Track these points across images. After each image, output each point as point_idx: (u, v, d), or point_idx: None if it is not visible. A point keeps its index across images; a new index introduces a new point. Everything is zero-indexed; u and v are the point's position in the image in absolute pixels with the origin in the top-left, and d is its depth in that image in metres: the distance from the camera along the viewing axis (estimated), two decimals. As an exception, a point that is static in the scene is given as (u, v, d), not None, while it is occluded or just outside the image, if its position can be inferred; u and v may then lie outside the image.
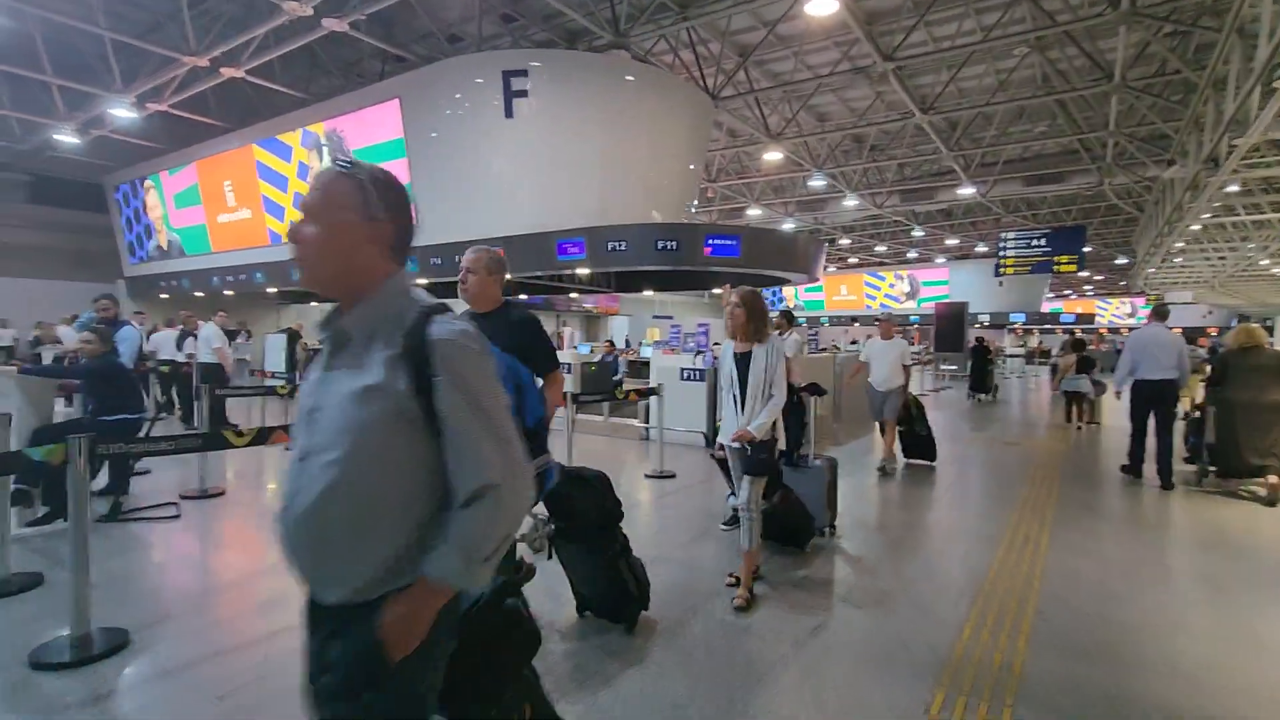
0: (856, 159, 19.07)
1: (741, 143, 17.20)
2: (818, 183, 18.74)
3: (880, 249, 32.58)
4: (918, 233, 27.79)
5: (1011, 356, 31.31)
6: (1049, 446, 9.00)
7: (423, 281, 12.69)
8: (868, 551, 4.66)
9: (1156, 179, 15.30)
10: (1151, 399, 6.48)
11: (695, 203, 13.22)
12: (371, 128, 11.99)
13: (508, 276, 3.16)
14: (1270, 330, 28.75)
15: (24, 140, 16.20)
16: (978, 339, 17.11)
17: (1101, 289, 46.96)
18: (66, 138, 14.74)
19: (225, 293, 16.63)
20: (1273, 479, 5.82)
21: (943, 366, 22.79)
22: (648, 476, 6.50)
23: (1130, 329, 35.78)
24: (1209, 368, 6.85)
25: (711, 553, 4.46)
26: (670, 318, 40.75)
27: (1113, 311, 47.18)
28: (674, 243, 9.27)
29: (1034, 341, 39.02)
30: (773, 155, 15.94)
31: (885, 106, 16.33)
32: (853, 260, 38.11)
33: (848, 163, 18.77)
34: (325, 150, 12.98)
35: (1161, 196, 12.98)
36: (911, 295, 38.73)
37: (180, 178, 16.38)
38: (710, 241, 9.27)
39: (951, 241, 30.20)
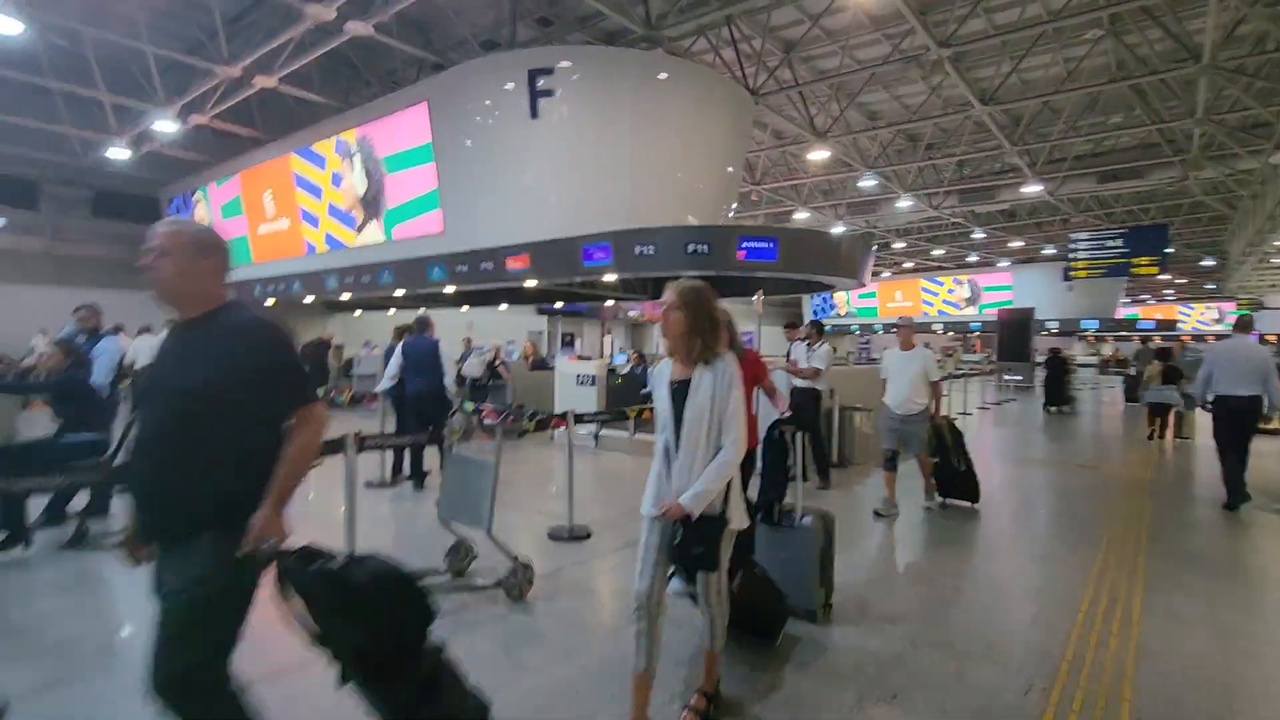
0: (911, 158, 18.01)
1: (786, 142, 16.41)
2: (868, 183, 17.76)
3: (937, 253, 30.99)
4: (978, 235, 26.25)
5: (1083, 366, 29.28)
6: (1131, 470, 7.94)
7: (449, 290, 12.42)
8: (870, 644, 3.26)
9: (1255, 170, 13.78)
10: (1231, 416, 6.03)
11: (735, 205, 12.52)
12: (400, 133, 11.77)
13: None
14: None
15: (84, 156, 16.76)
16: (1053, 349, 16.48)
17: (1184, 293, 43.70)
18: (120, 152, 15.13)
19: (267, 302, 16.79)
20: None
21: (1006, 377, 21.30)
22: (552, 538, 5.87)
23: (1217, 337, 33.06)
24: None
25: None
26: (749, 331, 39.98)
27: (1197, 318, 43.88)
28: (705, 246, 8.63)
29: (1108, 349, 36.53)
30: (819, 154, 15.09)
31: (942, 102, 15.30)
32: (909, 265, 36.48)
33: (901, 162, 17.72)
34: (357, 159, 12.85)
35: (1261, 190, 11.57)
36: (972, 301, 36.80)
37: (226, 189, 16.66)
38: (745, 244, 8.59)
39: (1015, 244, 28.47)
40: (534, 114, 9.93)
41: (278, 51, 10.43)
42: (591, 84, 9.96)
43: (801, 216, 22.64)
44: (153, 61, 11.95)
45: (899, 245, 29.80)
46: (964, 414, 13.50)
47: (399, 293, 13.26)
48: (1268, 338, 33.05)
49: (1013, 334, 21.65)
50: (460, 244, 11.27)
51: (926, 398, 5.82)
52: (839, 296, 43.09)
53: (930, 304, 38.98)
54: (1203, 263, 29.96)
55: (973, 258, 32.74)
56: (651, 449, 2.55)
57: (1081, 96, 14.90)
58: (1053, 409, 15.12)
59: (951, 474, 5.98)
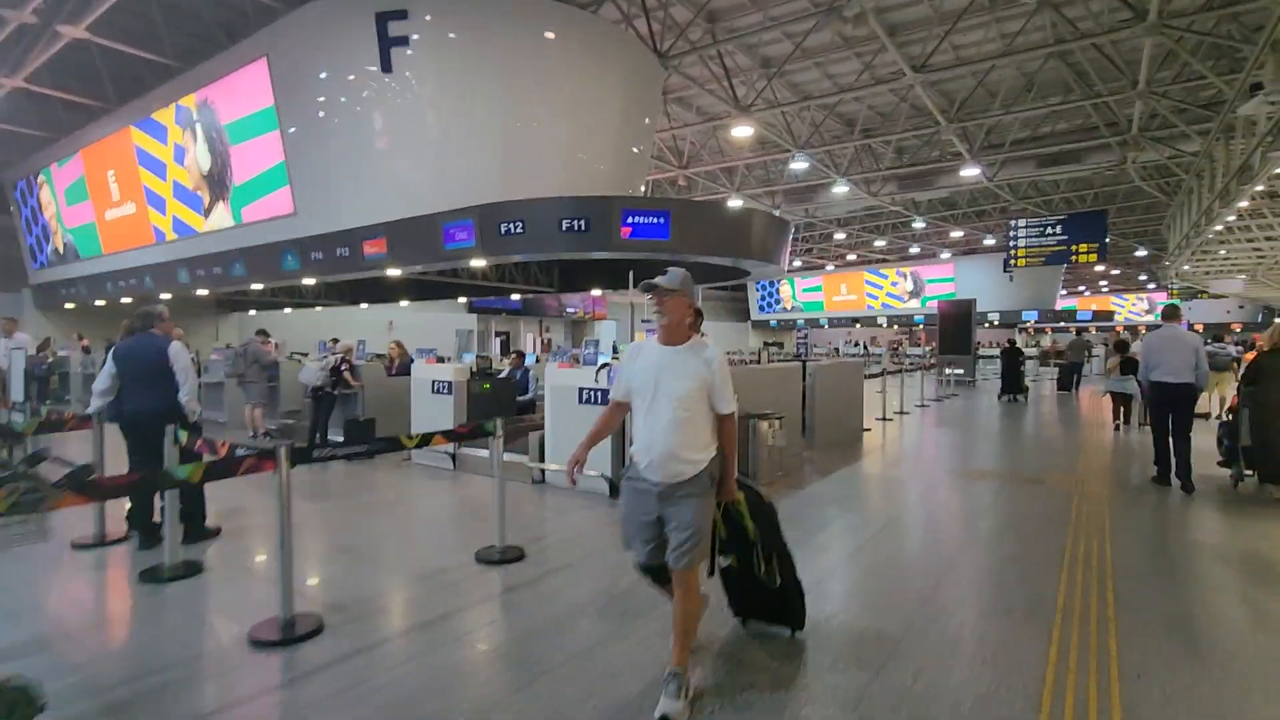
0: (846, 142, 16.89)
1: (707, 119, 15.01)
2: (800, 165, 16.55)
3: (880, 243, 30.26)
4: (919, 224, 25.52)
5: (1027, 358, 28.92)
6: (1085, 482, 6.76)
7: (309, 281, 10.61)
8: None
9: (1198, 153, 13.00)
10: (1167, 402, 6.29)
11: (643, 190, 11.04)
12: (240, 96, 9.92)
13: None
14: None
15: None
16: (1009, 341, 17.23)
17: (1118, 284, 44.42)
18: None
19: (123, 300, 14.59)
20: None
21: (949, 371, 20.46)
22: (480, 561, 4.31)
23: (1149, 327, 33.34)
24: (1238, 366, 6.84)
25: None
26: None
27: (1129, 308, 44.69)
28: (583, 222, 7.11)
29: (1047, 341, 36.62)
30: (743, 130, 13.74)
31: (874, 81, 14.19)
32: (851, 257, 35.79)
33: (834, 142, 16.55)
34: (199, 129, 10.90)
35: (1209, 166, 10.67)
36: (915, 294, 36.42)
37: (69, 170, 14.38)
38: (630, 219, 7.11)
39: (956, 234, 27.87)
40: (386, 67, 8.25)
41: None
42: (456, 32, 8.33)
43: (735, 204, 21.36)
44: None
45: (840, 236, 28.90)
46: (901, 413, 12.36)
47: (256, 285, 11.35)
48: (1196, 327, 33.52)
49: (954, 326, 20.82)
50: (314, 226, 9.50)
51: (709, 445, 2.71)
52: (784, 290, 42.33)
53: (875, 297, 38.49)
54: (1137, 253, 30.00)
55: (915, 249, 32.16)
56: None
57: (1018, 77, 14.00)
58: (1007, 398, 15.55)
59: (758, 586, 3.17)
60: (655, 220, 7.15)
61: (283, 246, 9.91)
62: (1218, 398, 11.05)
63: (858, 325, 41.50)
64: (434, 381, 7.46)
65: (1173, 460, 6.30)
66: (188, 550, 4.37)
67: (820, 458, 8.00)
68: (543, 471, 6.53)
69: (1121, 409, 10.76)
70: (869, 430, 10.25)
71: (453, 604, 3.66)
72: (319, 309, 19.63)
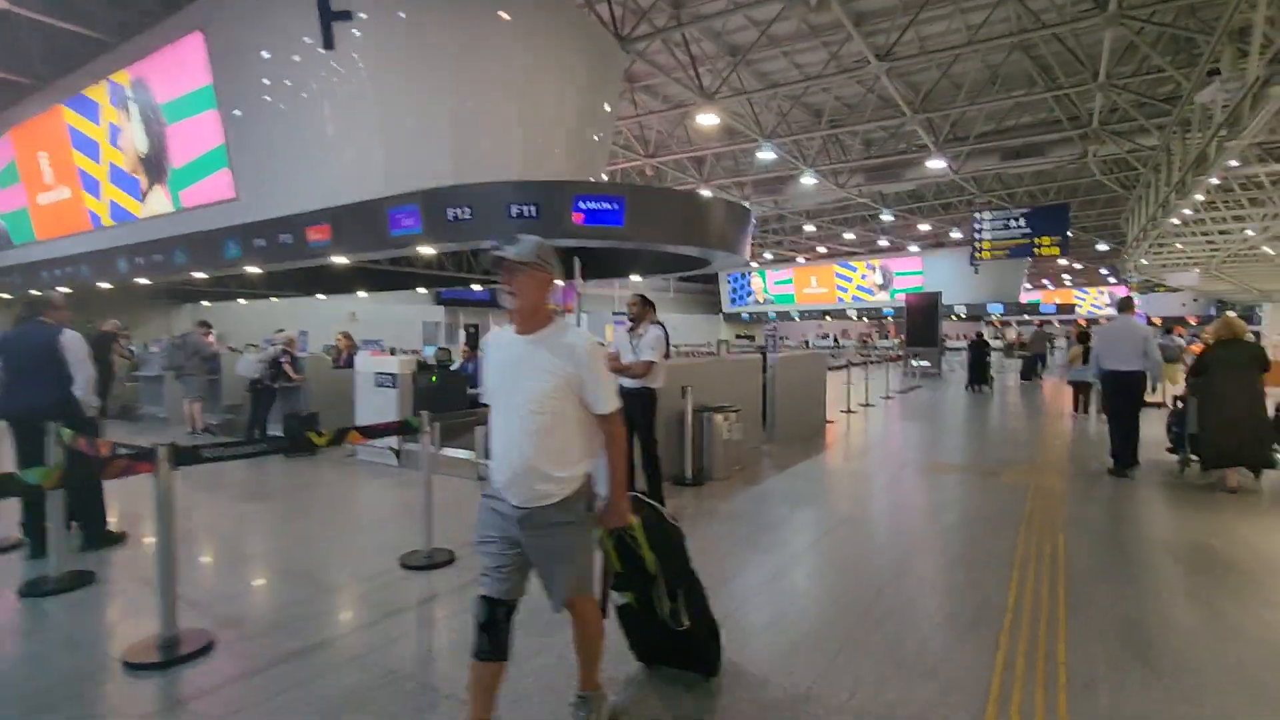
0: (815, 129, 16.77)
1: (672, 106, 14.74)
2: (767, 155, 16.36)
3: (849, 236, 30.33)
4: (887, 216, 25.56)
5: (993, 350, 29.29)
6: (1041, 475, 6.69)
7: (253, 270, 10.15)
8: None
9: (1155, 147, 13.10)
10: (1118, 390, 6.56)
11: (604, 178, 10.74)
12: (176, 73, 9.39)
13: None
14: (1249, 319, 26.93)
15: None
16: (977, 334, 17.66)
17: (1080, 278, 45.33)
18: None
19: (58, 289, 13.86)
20: (1233, 478, 5.85)
21: (914, 363, 20.57)
22: (405, 567, 4.04)
23: (1110, 319, 34.03)
24: (1187, 358, 6.98)
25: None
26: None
27: (1091, 301, 45.64)
28: (533, 207, 6.82)
29: (1011, 334, 37.21)
30: (708, 118, 13.52)
31: (840, 70, 14.07)
32: (822, 250, 35.88)
33: (802, 132, 16.41)
34: (134, 108, 10.32)
35: (1165, 160, 10.73)
36: (885, 286, 36.66)
37: (-1, 151, 13.59)
38: (582, 204, 6.83)
39: (924, 227, 28.06)
40: (328, 43, 7.83)
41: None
42: (405, 10, 7.93)
43: (703, 195, 21.14)
44: None
45: (810, 228, 28.90)
46: (866, 405, 12.30)
47: (200, 275, 10.82)
48: (1154, 320, 34.30)
49: (921, 319, 20.93)
50: (256, 211, 9.04)
51: (581, 458, 2.22)
52: (755, 283, 42.34)
53: (845, 290, 38.67)
54: (1098, 247, 30.55)
55: (884, 242, 32.31)
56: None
57: (982, 69, 13.99)
58: (975, 388, 16.03)
59: (662, 627, 2.65)
60: (609, 206, 6.88)
61: (224, 233, 9.43)
62: (1169, 387, 11.30)
63: (828, 318, 41.72)
64: (377, 374, 7.12)
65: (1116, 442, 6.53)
66: (85, 559, 4.02)
67: (780, 451, 7.83)
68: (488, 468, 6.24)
69: (1080, 397, 11.23)
70: (832, 423, 10.15)
71: (364, 617, 3.39)
72: (274, 300, 18.98)
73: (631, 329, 5.17)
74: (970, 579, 3.84)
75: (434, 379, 7.37)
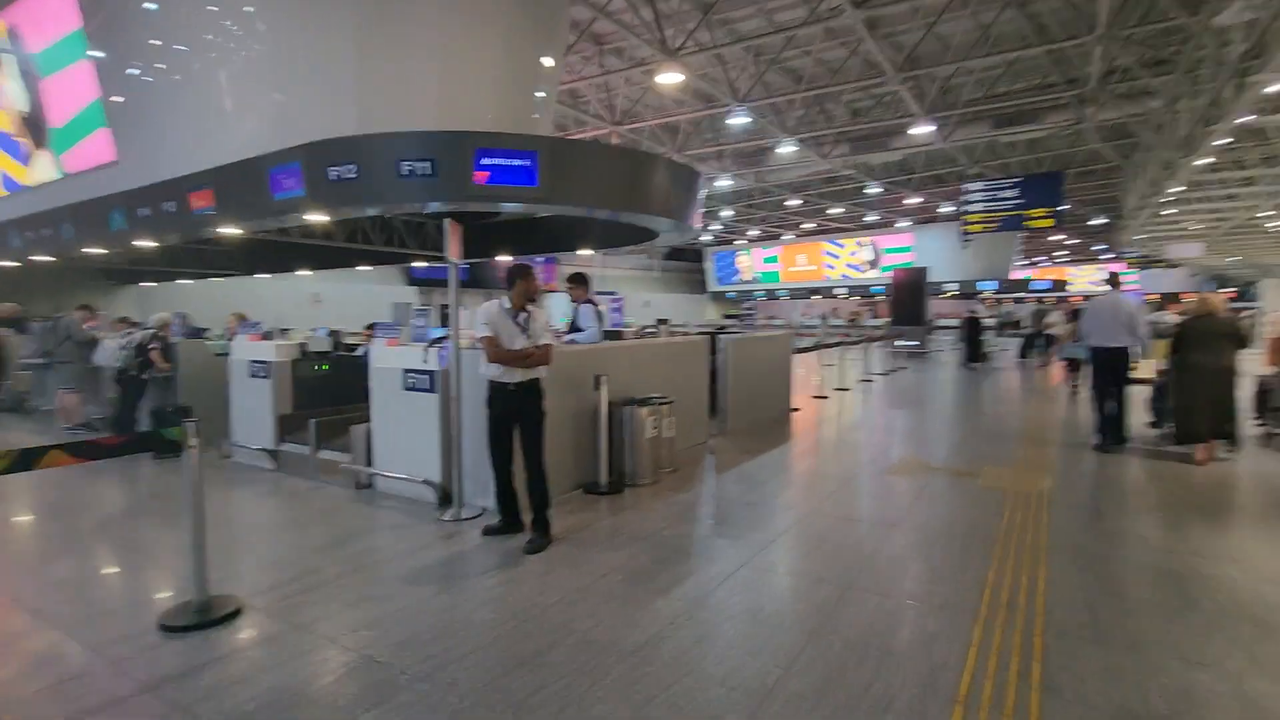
0: (792, 92, 15.60)
1: (630, 64, 13.54)
2: (741, 120, 15.19)
3: (836, 211, 29.16)
4: (873, 189, 24.42)
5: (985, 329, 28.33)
6: (1027, 473, 5.74)
7: (151, 244, 9.04)
8: None
9: (1156, 109, 12.01)
10: (1105, 366, 6.60)
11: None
12: (47, 18, 8.19)
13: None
14: (1243, 294, 25.96)
15: None
16: (971, 311, 17.65)
17: (1075, 254, 44.31)
18: None
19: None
20: (1200, 452, 5.97)
21: (899, 343, 19.58)
22: (165, 628, 3.04)
23: (1096, 295, 33.09)
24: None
25: None
26: (613, 293, 37.21)
27: (1086, 278, 44.72)
28: (427, 164, 5.72)
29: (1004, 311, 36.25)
30: (670, 77, 12.34)
31: (814, 20, 12.91)
32: (809, 225, 34.69)
33: (779, 94, 15.22)
34: (11, 61, 9.13)
35: (1170, 119, 9.67)
36: (874, 263, 35.61)
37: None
38: (486, 161, 5.73)
39: (913, 201, 26.90)
40: (202, -27, 6.67)
41: None
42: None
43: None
44: None
45: (795, 202, 27.71)
46: (841, 390, 11.32)
47: (93, 251, 9.69)
48: (1151, 297, 33.40)
49: (907, 296, 19.92)
50: (139, 176, 7.92)
51: None
52: (742, 261, 41.17)
53: (833, 267, 37.62)
54: (1093, 221, 29.48)
55: (872, 217, 31.16)
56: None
57: (972, 29, 12.85)
58: (970, 366, 15.98)
59: None
60: (518, 162, 5.80)
61: (107, 202, 8.29)
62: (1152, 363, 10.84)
63: (817, 296, 40.67)
64: (251, 363, 6.08)
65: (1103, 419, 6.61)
66: None
67: (729, 447, 6.85)
68: (370, 476, 5.23)
69: (1072, 374, 11.28)
70: (798, 410, 9.18)
71: (66, 709, 2.39)
72: (222, 280, 17.81)
73: (511, 306, 4.14)
74: (920, 637, 2.86)
75: (323, 367, 6.34)
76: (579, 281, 5.98)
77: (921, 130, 16.03)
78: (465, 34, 7.68)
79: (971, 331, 16.53)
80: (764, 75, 14.39)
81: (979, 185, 18.36)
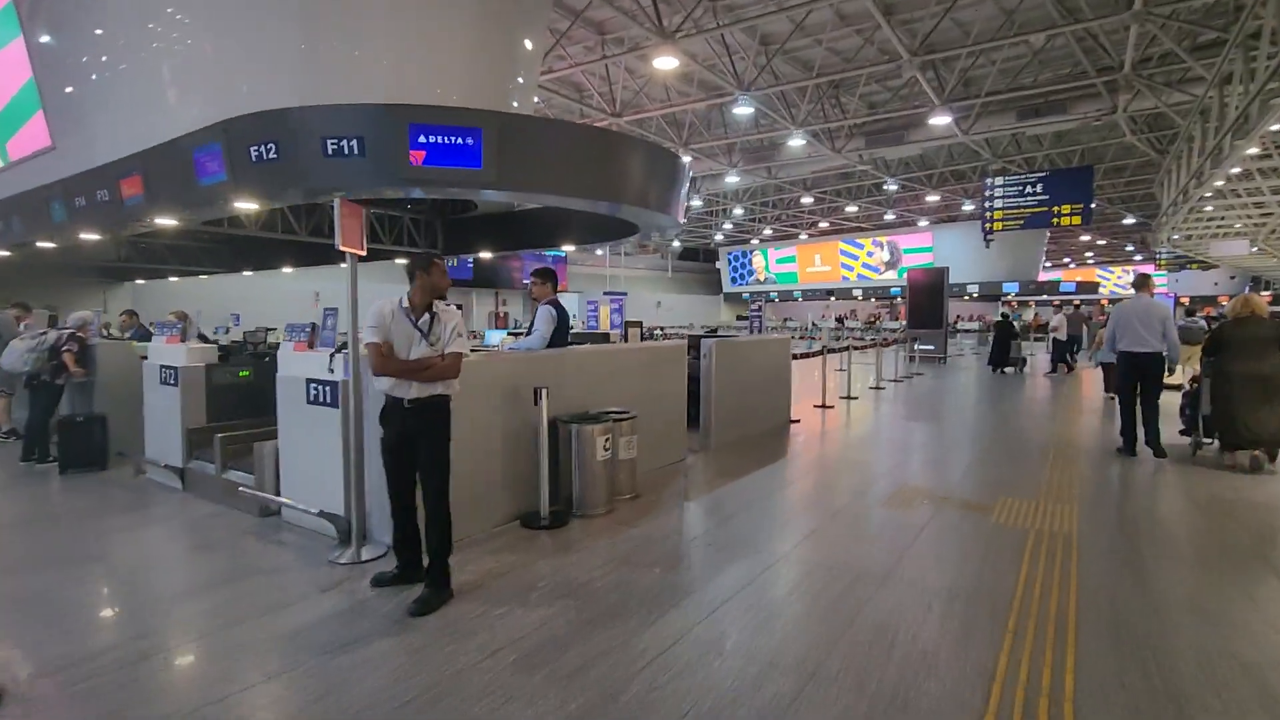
0: (805, 90, 14.74)
1: (625, 49, 12.75)
2: (745, 109, 14.34)
3: (852, 209, 28.12)
4: (891, 186, 23.40)
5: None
6: (1053, 504, 4.87)
7: (91, 236, 8.45)
8: None
9: (1199, 97, 10.95)
10: (1134, 372, 6.40)
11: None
12: (-21, -7, 7.60)
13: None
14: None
15: None
16: (1004, 315, 16.77)
17: (1104, 255, 42.70)
18: None
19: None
20: (1257, 453, 5.68)
21: (918, 346, 18.56)
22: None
23: (1126, 298, 31.66)
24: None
25: None
26: (624, 294, 36.42)
27: (1115, 281, 43.12)
28: (354, 142, 4.99)
29: (1029, 314, 34.85)
30: (666, 61, 11.56)
31: (837, 19, 12.09)
32: (824, 224, 33.62)
33: (788, 82, 14.35)
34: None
35: (1217, 101, 8.67)
36: (893, 264, 34.48)
37: None
38: (422, 138, 4.99)
39: (933, 199, 25.82)
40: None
41: None
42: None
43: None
44: None
45: (808, 200, 26.75)
46: (848, 399, 10.43)
47: (45, 244, 9.13)
48: (1182, 300, 31.84)
49: (925, 298, 18.87)
50: (75, 162, 7.31)
51: None
52: (757, 261, 40.15)
53: (850, 268, 36.55)
54: (1125, 221, 28.10)
55: (890, 215, 30.05)
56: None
57: (995, 15, 11.92)
58: (1007, 370, 15.37)
59: None
60: (460, 141, 5.05)
61: (47, 192, 7.70)
62: (1189, 370, 9.87)
63: (833, 298, 39.57)
64: (161, 368, 5.39)
65: (1141, 429, 6.41)
66: None
67: (708, 467, 6.04)
68: (276, 503, 4.49)
69: (1110, 379, 10.63)
70: (797, 422, 8.34)
71: None
72: (221, 278, 17.24)
73: (410, 306, 3.37)
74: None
75: (243, 373, 5.63)
76: (543, 278, 5.20)
77: (940, 121, 15.07)
78: (433, 20, 6.96)
79: (1002, 334, 15.76)
80: (771, 62, 13.54)
81: (1002, 180, 17.30)
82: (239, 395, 5.56)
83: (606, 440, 4.58)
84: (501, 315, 33.49)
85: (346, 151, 5.02)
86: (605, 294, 33.42)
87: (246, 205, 6.10)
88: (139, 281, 18.81)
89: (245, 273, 15.17)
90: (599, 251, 37.27)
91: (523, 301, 36.24)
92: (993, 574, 3.55)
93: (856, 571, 3.57)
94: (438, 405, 3.34)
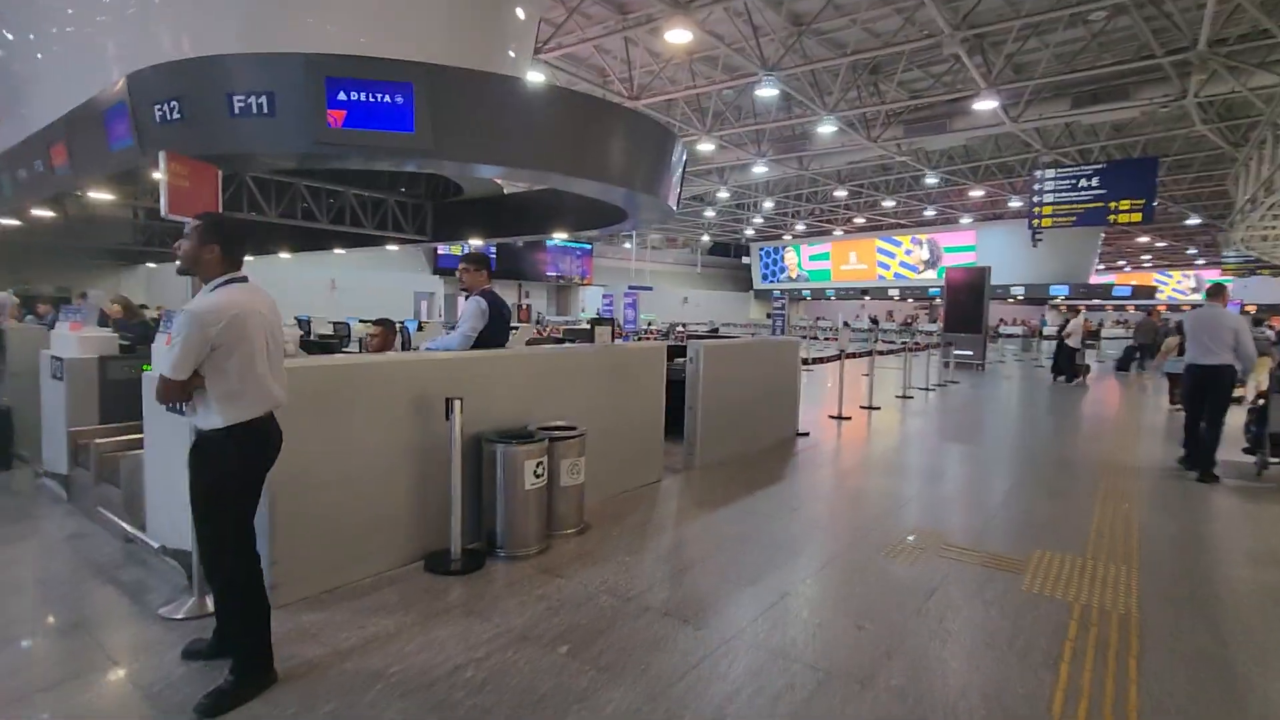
0: (838, 73, 13.63)
1: (631, 25, 11.77)
2: (769, 91, 13.28)
3: (889, 204, 26.67)
4: (931, 180, 21.99)
5: (1046, 338, 25.40)
6: (1105, 562, 3.86)
7: (46, 214, 7.91)
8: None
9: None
10: (1201, 385, 5.96)
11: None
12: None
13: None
14: None
15: None
16: (1066, 320, 15.55)
17: (1162, 259, 40.16)
18: None
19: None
20: None
21: (956, 352, 17.22)
22: None
23: (1193, 306, 29.52)
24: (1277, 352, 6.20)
25: None
26: (649, 288, 35.49)
27: (1173, 286, 40.57)
28: (264, 99, 4.21)
29: (1079, 320, 32.88)
30: (678, 35, 10.60)
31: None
32: (860, 220, 32.13)
33: (816, 61, 13.25)
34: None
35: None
36: (932, 263, 32.84)
37: None
38: (343, 96, 4.18)
39: (976, 193, 24.25)
40: None
41: None
42: None
43: (706, 148, 18.14)
44: None
45: (841, 193, 25.43)
46: (870, 408, 9.39)
47: (8, 222, 8.66)
48: (1248, 308, 29.51)
49: (964, 299, 17.52)
50: (11, 133, 6.74)
51: None
52: (789, 258, 38.76)
53: (886, 266, 35.01)
54: (1188, 221, 26.07)
55: (930, 212, 28.50)
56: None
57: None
58: (1072, 380, 14.11)
59: None
60: (387, 99, 4.24)
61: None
62: (1254, 384, 8.67)
63: (868, 297, 38.04)
64: (51, 360, 4.71)
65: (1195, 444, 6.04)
66: None
67: (684, 493, 5.13)
68: (128, 531, 3.74)
69: (1176, 390, 10.09)
70: (806, 435, 7.37)
71: None
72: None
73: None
74: None
75: (145, 368, 4.92)
76: (477, 264, 4.34)
77: (986, 106, 13.78)
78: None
79: (1063, 342, 14.67)
80: (801, 41, 12.46)
81: (1054, 173, 15.87)
82: (129, 393, 4.85)
83: (538, 465, 3.71)
84: (525, 307, 32.89)
85: (255, 110, 4.25)
86: (630, 288, 32.61)
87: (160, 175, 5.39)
88: (150, 265, 18.66)
89: (250, 258, 14.73)
90: (626, 245, 36.43)
91: (549, 294, 35.60)
92: (1019, 677, 2.58)
93: (827, 668, 2.63)
94: (203, 440, 2.42)
